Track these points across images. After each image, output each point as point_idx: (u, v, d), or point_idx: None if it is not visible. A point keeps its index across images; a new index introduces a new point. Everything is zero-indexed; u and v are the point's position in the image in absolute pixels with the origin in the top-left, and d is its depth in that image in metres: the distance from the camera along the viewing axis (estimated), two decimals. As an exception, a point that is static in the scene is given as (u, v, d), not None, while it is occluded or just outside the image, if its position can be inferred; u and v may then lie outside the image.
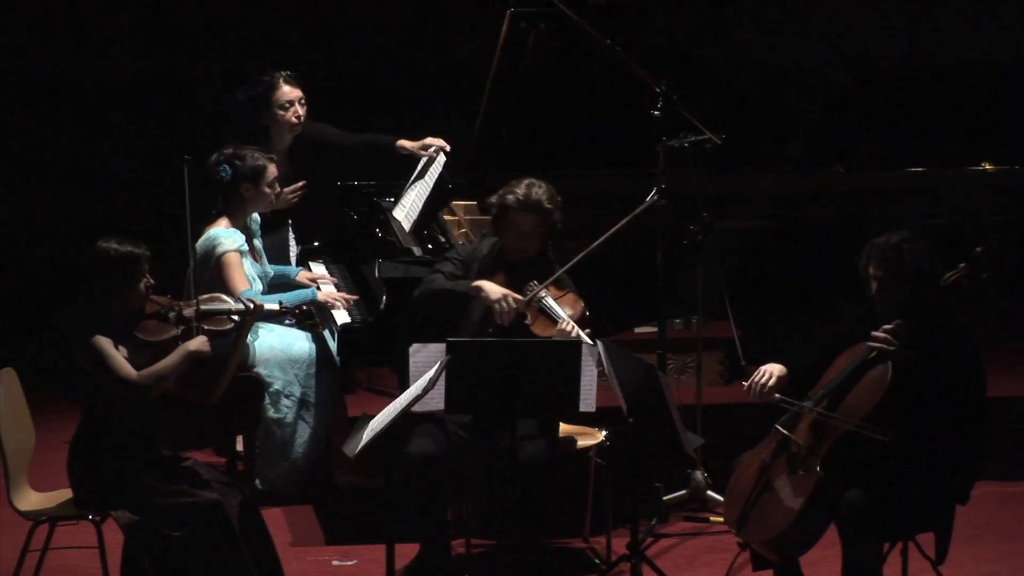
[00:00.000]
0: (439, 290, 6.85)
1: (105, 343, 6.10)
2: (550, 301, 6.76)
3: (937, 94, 8.54)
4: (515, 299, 6.75)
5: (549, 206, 6.82)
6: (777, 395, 6.17)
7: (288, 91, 8.19)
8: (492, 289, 6.78)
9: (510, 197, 6.83)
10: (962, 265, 6.04)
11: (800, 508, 5.94)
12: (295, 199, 8.19)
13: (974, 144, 8.55)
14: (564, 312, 6.71)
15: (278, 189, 7.78)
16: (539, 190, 6.83)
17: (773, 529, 6.01)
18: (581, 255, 6.89)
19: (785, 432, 6.11)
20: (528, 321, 6.77)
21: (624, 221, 6.95)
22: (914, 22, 9.08)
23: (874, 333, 6.02)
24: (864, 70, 8.65)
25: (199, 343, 6.24)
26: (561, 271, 6.85)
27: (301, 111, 8.20)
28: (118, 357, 6.11)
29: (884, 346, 5.98)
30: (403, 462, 6.57)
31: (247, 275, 7.58)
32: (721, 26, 8.78)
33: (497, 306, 6.73)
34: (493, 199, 6.92)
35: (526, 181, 6.87)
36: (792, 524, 5.96)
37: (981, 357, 6.05)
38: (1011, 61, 8.84)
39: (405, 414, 6.15)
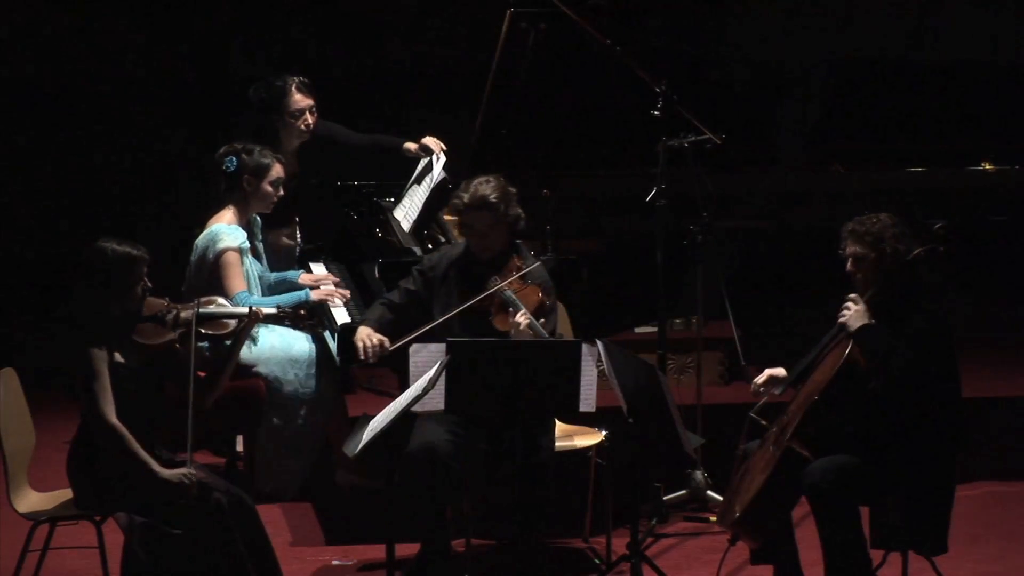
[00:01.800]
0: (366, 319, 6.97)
1: (100, 362, 6.09)
2: (510, 294, 6.74)
3: (937, 94, 8.54)
4: (379, 339, 6.78)
5: (495, 200, 6.76)
6: (762, 390, 6.41)
7: (300, 99, 8.14)
8: (358, 333, 6.85)
9: (457, 201, 6.82)
10: (927, 244, 6.17)
11: (766, 478, 6.01)
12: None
13: (974, 144, 8.55)
14: (521, 303, 6.69)
15: (281, 191, 7.78)
16: (485, 187, 6.78)
17: (744, 502, 6.06)
18: (533, 266, 6.81)
19: (755, 417, 6.25)
20: (491, 316, 6.75)
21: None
22: (915, 21, 9.09)
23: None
24: (862, 69, 8.66)
25: (175, 476, 6.13)
26: (518, 275, 6.78)
27: (311, 120, 8.17)
28: (107, 387, 6.09)
29: (845, 311, 6.13)
30: (405, 459, 6.57)
31: (245, 274, 7.59)
32: (719, 24, 8.78)
33: (359, 343, 6.77)
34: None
35: (476, 180, 6.83)
36: (759, 493, 6.01)
37: (949, 330, 6.15)
38: (1011, 61, 8.85)
39: (411, 419, 6.15)
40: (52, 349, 8.87)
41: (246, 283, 7.57)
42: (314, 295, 7.65)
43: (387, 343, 6.79)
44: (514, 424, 6.54)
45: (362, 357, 6.80)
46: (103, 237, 6.24)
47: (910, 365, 6.04)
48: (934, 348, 6.09)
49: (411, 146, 8.30)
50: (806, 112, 8.46)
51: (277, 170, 7.72)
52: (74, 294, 6.28)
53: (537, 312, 6.68)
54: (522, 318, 6.62)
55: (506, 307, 6.73)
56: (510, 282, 6.74)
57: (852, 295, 6.19)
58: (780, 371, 6.42)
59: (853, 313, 6.15)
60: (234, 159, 7.67)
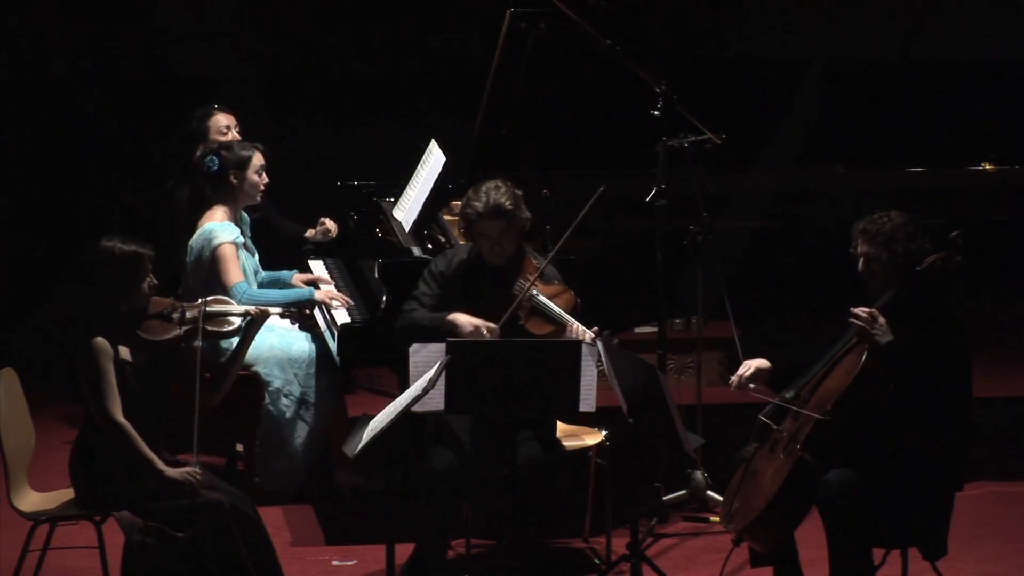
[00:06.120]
0: (417, 325, 6.81)
1: (105, 359, 6.08)
2: (541, 298, 6.73)
3: (937, 94, 8.54)
4: (488, 328, 6.71)
5: (510, 207, 6.74)
6: (752, 385, 6.26)
7: (260, 159, 7.99)
8: (463, 323, 6.71)
9: (469, 210, 6.76)
10: (942, 252, 6.12)
11: (778, 488, 5.99)
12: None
13: (974, 144, 8.55)
14: (556, 306, 6.68)
15: (267, 178, 7.81)
16: (497, 193, 6.75)
17: (754, 511, 6.05)
18: (556, 247, 6.81)
19: (767, 421, 6.18)
20: (522, 321, 6.75)
21: (586, 208, 6.86)
22: (914, 22, 9.08)
23: (853, 309, 6.09)
24: (861, 70, 8.66)
25: (181, 475, 6.14)
26: (543, 266, 6.79)
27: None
28: (112, 384, 6.09)
29: (862, 324, 6.05)
30: (427, 477, 6.57)
31: (242, 267, 7.62)
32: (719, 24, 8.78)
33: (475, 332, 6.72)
34: (458, 211, 6.91)
35: (484, 187, 6.78)
36: (770, 504, 6.00)
37: (965, 339, 6.11)
38: (1011, 61, 8.85)
39: (411, 419, 6.14)
40: (53, 348, 8.91)
41: (244, 275, 7.60)
42: (317, 295, 7.67)
43: (494, 327, 6.70)
44: (517, 424, 6.56)
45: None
46: (108, 235, 6.25)
47: (932, 377, 6.01)
48: (954, 359, 6.06)
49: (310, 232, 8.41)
50: (806, 112, 8.46)
51: (259, 158, 7.79)
52: (80, 292, 6.28)
53: (572, 313, 6.68)
54: (573, 329, 6.60)
55: (540, 312, 6.71)
56: (538, 286, 6.73)
57: (872, 310, 6.10)
58: (763, 363, 6.36)
59: (879, 327, 6.03)
60: (215, 158, 7.74)
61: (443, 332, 6.68)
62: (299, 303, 7.60)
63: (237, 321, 6.48)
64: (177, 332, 6.30)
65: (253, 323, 6.50)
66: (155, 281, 6.28)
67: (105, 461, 6.16)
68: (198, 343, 6.34)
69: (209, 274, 7.59)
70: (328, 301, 7.67)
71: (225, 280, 7.52)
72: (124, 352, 6.19)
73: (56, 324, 9.49)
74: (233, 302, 6.60)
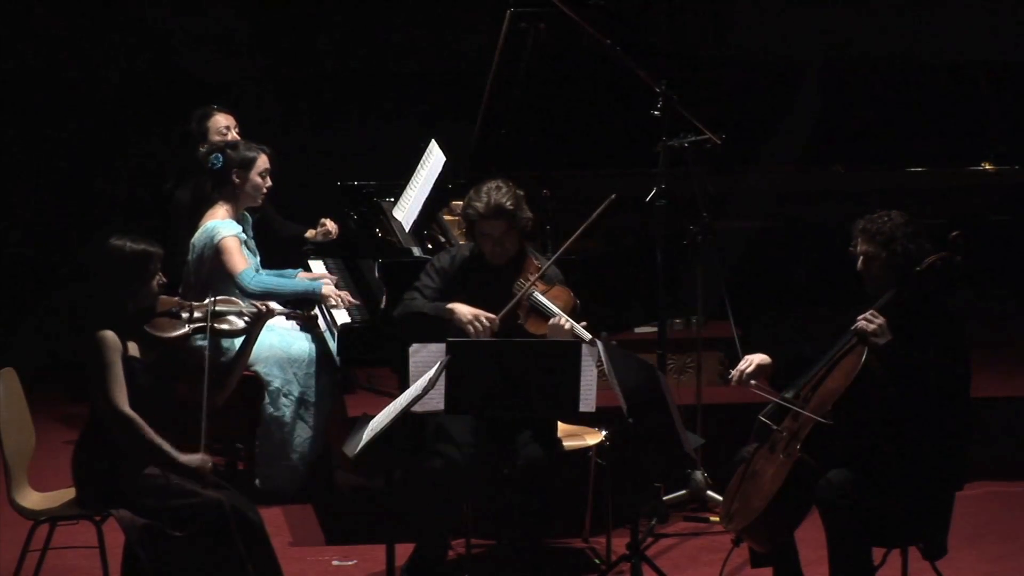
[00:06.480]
0: (417, 312, 6.84)
1: (113, 352, 6.08)
2: (540, 297, 6.74)
3: (937, 94, 8.54)
4: (487, 318, 6.72)
5: (511, 207, 6.76)
6: (753, 382, 6.26)
7: (266, 161, 7.99)
8: (463, 312, 6.74)
9: (470, 210, 6.78)
10: (942, 252, 6.11)
11: (778, 489, 5.99)
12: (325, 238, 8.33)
13: (974, 144, 8.55)
14: (555, 306, 6.69)
15: (270, 182, 7.82)
16: (498, 194, 6.76)
17: (754, 512, 6.05)
18: (560, 250, 6.86)
19: (766, 421, 6.18)
20: (521, 320, 6.76)
21: (596, 214, 6.88)
22: (915, 21, 9.07)
23: (858, 319, 6.10)
24: (861, 70, 8.66)
25: (194, 461, 6.14)
26: (545, 267, 6.81)
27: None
28: (119, 376, 6.09)
29: (864, 325, 6.04)
30: (427, 476, 6.57)
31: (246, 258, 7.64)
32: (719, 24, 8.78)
33: (471, 327, 6.72)
34: (458, 211, 6.92)
35: (485, 187, 6.79)
36: (770, 505, 6.00)
37: (965, 339, 6.11)
38: (1011, 61, 8.85)
39: (411, 420, 6.14)
40: (53, 348, 8.90)
41: (247, 262, 7.62)
42: (324, 291, 7.69)
43: (493, 318, 6.72)
44: (517, 424, 6.55)
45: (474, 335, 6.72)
46: (117, 234, 6.26)
47: (931, 378, 6.01)
48: (954, 359, 6.05)
49: (311, 233, 8.41)
50: (806, 112, 8.46)
51: (263, 160, 7.80)
52: (86, 289, 6.28)
53: (571, 313, 6.68)
54: (564, 321, 6.61)
55: (538, 311, 6.73)
56: (538, 286, 6.74)
57: (871, 312, 6.10)
58: (764, 358, 6.36)
59: (878, 327, 6.05)
60: (220, 156, 7.77)
61: (442, 320, 6.70)
62: (306, 295, 7.64)
63: (244, 320, 6.48)
64: (185, 330, 6.31)
65: (258, 320, 6.50)
66: (164, 280, 6.29)
67: (108, 460, 6.15)
68: (205, 341, 6.36)
69: (212, 269, 7.60)
70: (335, 297, 7.68)
71: (231, 269, 7.54)
72: (133, 348, 6.19)
73: (56, 324, 9.49)
74: (240, 302, 6.61)
